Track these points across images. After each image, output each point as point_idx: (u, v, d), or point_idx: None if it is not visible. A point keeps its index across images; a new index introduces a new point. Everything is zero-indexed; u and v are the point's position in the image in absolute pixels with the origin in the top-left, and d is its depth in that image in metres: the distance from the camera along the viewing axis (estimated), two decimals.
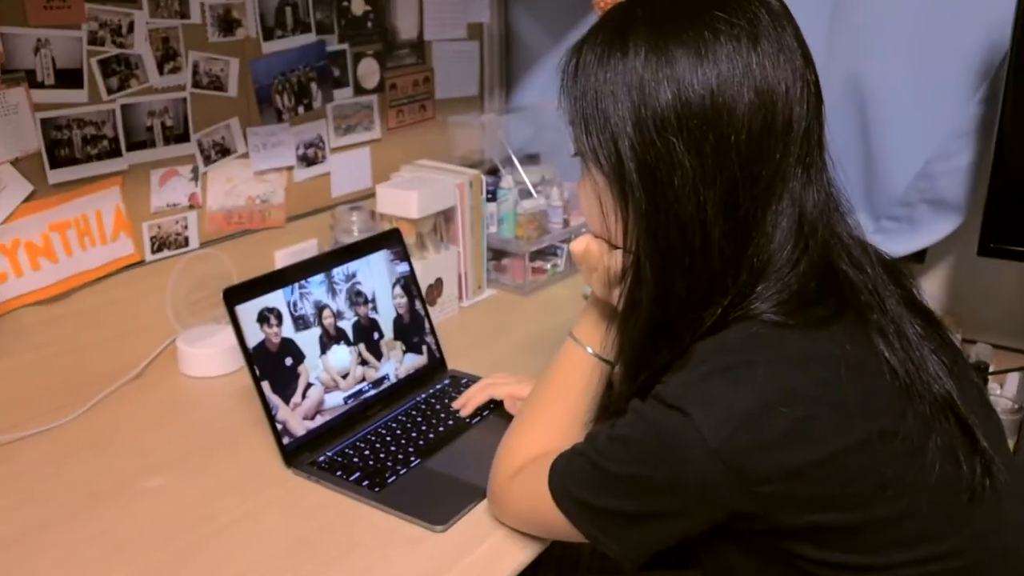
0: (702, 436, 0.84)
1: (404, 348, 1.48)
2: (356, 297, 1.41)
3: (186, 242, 1.62)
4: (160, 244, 1.58)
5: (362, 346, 1.41)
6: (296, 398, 1.30)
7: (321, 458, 1.27)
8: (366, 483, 1.22)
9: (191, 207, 1.62)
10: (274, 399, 1.27)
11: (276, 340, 1.29)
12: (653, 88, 0.89)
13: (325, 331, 1.36)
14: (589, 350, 1.14)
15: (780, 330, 0.89)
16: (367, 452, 1.29)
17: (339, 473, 1.24)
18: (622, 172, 0.92)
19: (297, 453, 1.27)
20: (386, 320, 1.45)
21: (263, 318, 1.28)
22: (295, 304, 1.32)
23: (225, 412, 1.42)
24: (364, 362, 1.41)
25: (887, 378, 0.88)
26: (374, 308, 1.44)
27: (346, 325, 1.39)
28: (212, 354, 1.52)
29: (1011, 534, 0.94)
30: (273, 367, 1.28)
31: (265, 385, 1.26)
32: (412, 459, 1.27)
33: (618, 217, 0.96)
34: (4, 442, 1.33)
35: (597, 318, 1.14)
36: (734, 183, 0.89)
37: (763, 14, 0.90)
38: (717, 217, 0.90)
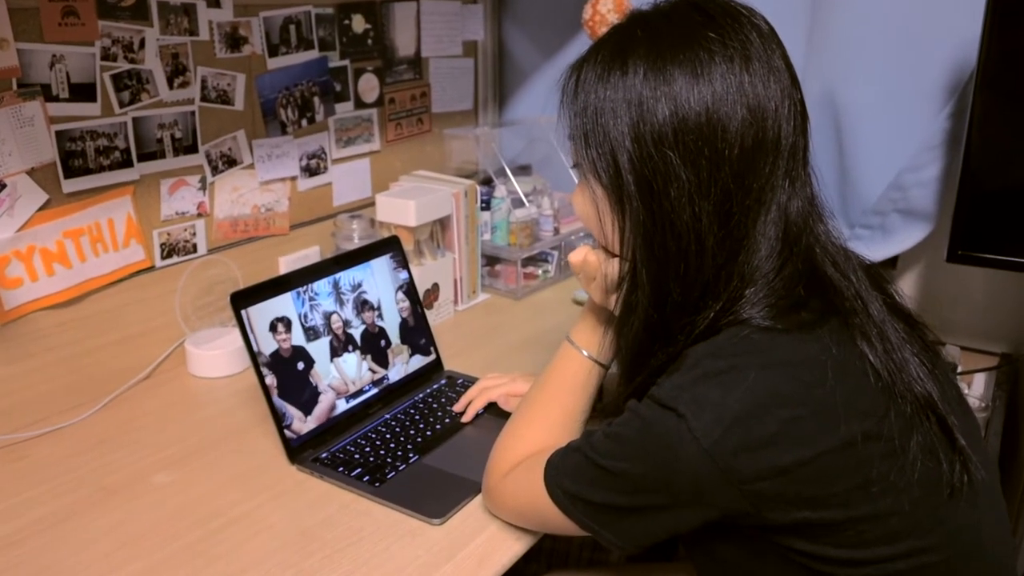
0: (694, 436, 0.84)
1: (410, 351, 1.47)
2: (363, 306, 1.41)
3: (194, 249, 1.61)
4: (169, 250, 1.57)
5: (370, 353, 1.40)
6: (308, 403, 1.29)
7: (324, 455, 1.26)
8: (367, 478, 1.21)
9: (199, 215, 1.61)
10: (282, 403, 1.26)
11: (288, 348, 1.29)
12: (652, 105, 0.89)
13: (335, 339, 1.35)
14: (585, 353, 1.13)
15: (769, 334, 0.88)
16: (368, 449, 1.28)
17: (341, 469, 1.23)
18: (620, 184, 0.92)
19: (301, 450, 1.27)
20: (392, 326, 1.45)
21: (275, 327, 1.28)
22: (306, 315, 1.32)
23: (231, 411, 1.41)
24: (372, 368, 1.40)
25: (870, 380, 0.88)
26: (380, 315, 1.43)
27: (355, 333, 1.38)
28: (219, 355, 1.51)
29: (987, 529, 0.93)
30: (286, 374, 1.28)
31: (274, 390, 1.25)
32: (411, 455, 1.26)
33: (615, 226, 0.96)
34: (21, 439, 1.32)
35: (594, 323, 1.13)
36: (727, 194, 0.89)
37: (754, 37, 0.91)
38: (711, 226, 0.90)
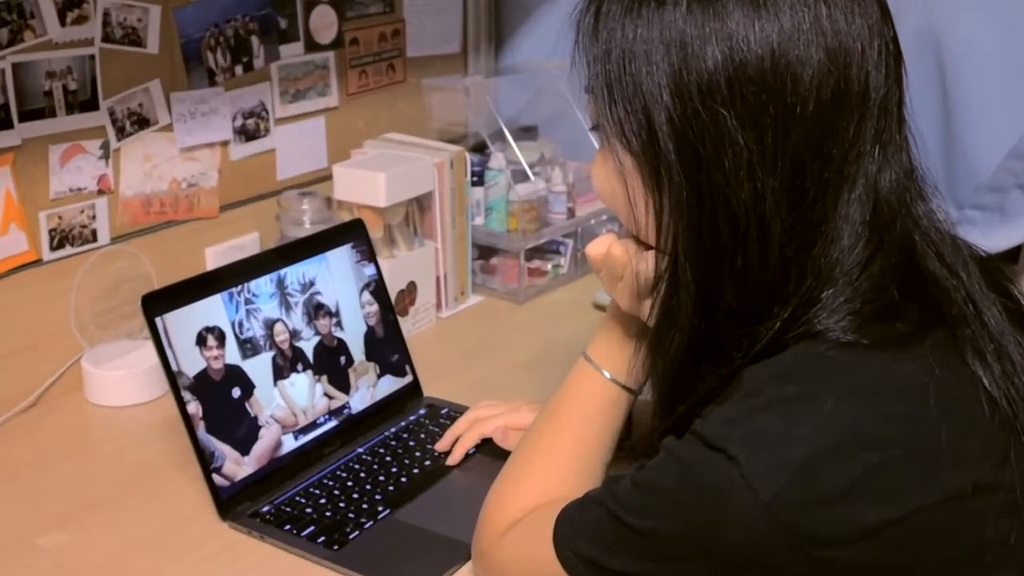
0: (749, 485, 0.84)
1: (379, 371, 1.47)
2: (316, 311, 1.41)
3: (94, 236, 1.62)
4: (61, 239, 1.57)
5: (326, 375, 1.40)
6: (245, 440, 1.29)
7: (265, 508, 1.27)
8: (322, 539, 1.21)
9: (100, 192, 1.61)
10: (210, 440, 1.26)
11: (220, 367, 1.29)
12: (699, 46, 0.89)
13: (280, 355, 1.35)
14: (607, 375, 1.13)
15: (853, 352, 0.88)
16: (323, 500, 1.28)
17: (288, 527, 1.23)
18: (656, 151, 0.92)
19: (235, 502, 1.27)
20: (355, 338, 1.45)
21: (203, 340, 1.28)
22: (241, 324, 1.32)
23: (143, 450, 1.41)
24: (329, 393, 1.40)
25: (985, 411, 0.88)
26: (339, 324, 1.43)
27: (305, 347, 1.39)
28: (126, 377, 1.52)
29: None
30: (216, 401, 1.28)
31: (200, 422, 1.26)
32: (380, 509, 1.26)
33: (650, 208, 0.95)
34: None
35: (619, 336, 1.13)
36: (799, 165, 0.89)
37: None
38: (778, 208, 0.89)
